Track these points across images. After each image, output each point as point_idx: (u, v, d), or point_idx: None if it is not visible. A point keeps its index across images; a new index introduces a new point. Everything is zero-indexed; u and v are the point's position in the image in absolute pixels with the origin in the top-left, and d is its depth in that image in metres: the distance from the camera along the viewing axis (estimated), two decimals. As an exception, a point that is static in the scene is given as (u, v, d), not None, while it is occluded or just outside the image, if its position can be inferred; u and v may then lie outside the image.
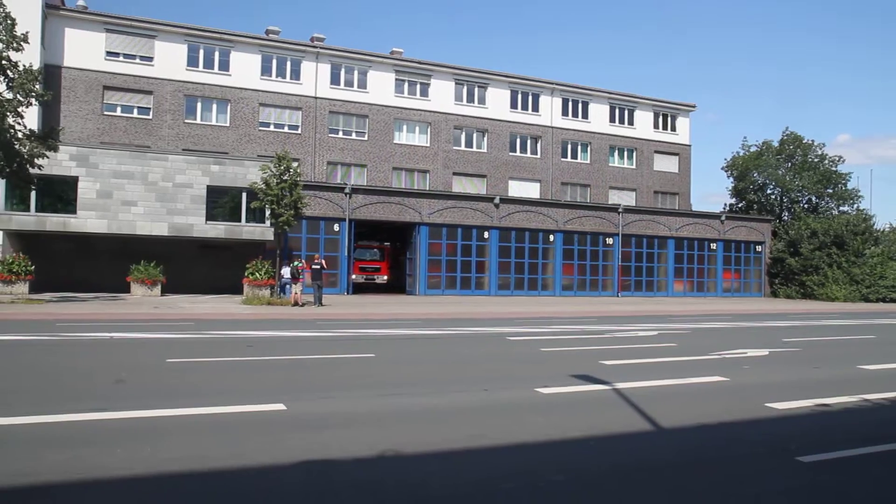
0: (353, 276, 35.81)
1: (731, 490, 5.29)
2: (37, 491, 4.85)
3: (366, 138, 41.41)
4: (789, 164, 52.58)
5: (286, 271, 27.36)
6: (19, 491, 4.83)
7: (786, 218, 52.01)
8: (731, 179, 55.49)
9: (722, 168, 56.39)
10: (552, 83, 46.95)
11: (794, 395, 9.19)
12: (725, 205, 56.96)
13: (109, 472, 5.24)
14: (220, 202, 30.13)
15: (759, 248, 46.06)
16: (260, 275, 27.48)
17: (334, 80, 40.82)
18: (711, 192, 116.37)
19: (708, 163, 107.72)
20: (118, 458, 5.67)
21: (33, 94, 21.79)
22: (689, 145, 51.99)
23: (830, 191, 51.91)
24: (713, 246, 44.30)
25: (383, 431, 6.84)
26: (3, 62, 21.30)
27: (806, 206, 52.61)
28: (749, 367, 12.28)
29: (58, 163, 26.53)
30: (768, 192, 54.13)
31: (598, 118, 48.43)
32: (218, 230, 29.73)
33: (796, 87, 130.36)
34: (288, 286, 26.88)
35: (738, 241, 45.17)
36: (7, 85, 21.44)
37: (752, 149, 53.95)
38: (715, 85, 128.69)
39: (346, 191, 34.38)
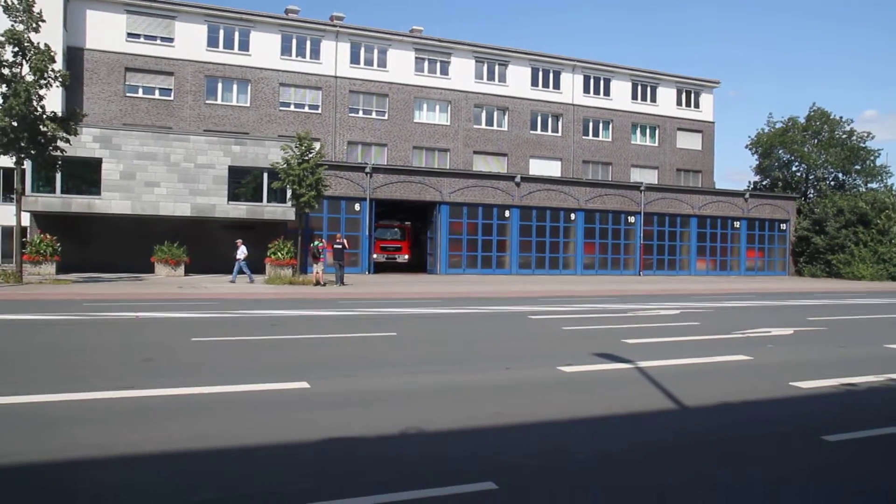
0: (374, 256, 35.93)
1: (756, 469, 5.26)
2: (71, 466, 4.95)
3: (386, 117, 41.32)
4: (816, 140, 51.65)
5: (241, 252, 26.45)
6: (54, 466, 4.94)
7: (811, 196, 51.23)
8: (756, 157, 54.69)
9: (746, 146, 55.60)
10: (573, 60, 46.41)
11: (819, 375, 9.10)
12: (749, 182, 56.25)
13: (139, 449, 5.34)
14: (242, 182, 30.28)
15: (783, 227, 45.45)
16: (282, 254, 27.66)
17: (354, 59, 40.69)
18: (735, 169, 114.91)
19: (732, 140, 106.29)
20: (147, 435, 5.77)
21: (51, 74, 21.96)
22: (713, 122, 51.25)
23: (858, 167, 50.99)
24: (737, 224, 43.79)
25: (406, 409, 6.89)
26: (25, 43, 21.46)
27: (832, 183, 51.75)
28: (773, 346, 12.17)
29: (82, 144, 26.78)
30: (793, 169, 53.31)
31: (620, 95, 47.85)
32: (240, 210, 29.92)
33: (822, 63, 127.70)
34: (244, 267, 26.21)
35: (763, 220, 44.59)
36: (29, 67, 21.63)
37: (778, 125, 53.04)
38: (739, 61, 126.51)
39: (367, 170, 34.39)
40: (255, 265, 30.02)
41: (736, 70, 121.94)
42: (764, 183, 54.06)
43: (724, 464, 5.36)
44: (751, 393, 8.04)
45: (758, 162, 54.58)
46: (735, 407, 7.36)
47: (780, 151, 52.60)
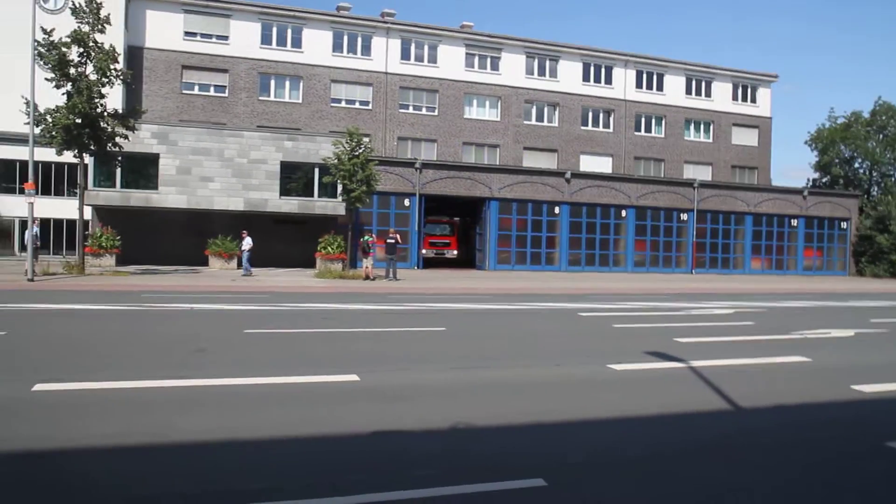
0: (423, 251, 36.05)
1: (815, 474, 5.11)
2: (132, 451, 5.11)
3: (436, 113, 41.39)
4: (881, 135, 49.77)
5: (246, 244, 26.18)
6: (116, 451, 5.10)
7: (875, 193, 49.38)
8: (815, 153, 53.03)
9: (805, 142, 53.94)
10: (626, 55, 45.68)
11: (882, 378, 8.77)
12: (808, 180, 54.60)
13: (193, 437, 5.47)
14: (294, 178, 30.74)
15: (843, 225, 43.90)
16: (332, 249, 27.98)
17: (404, 55, 40.85)
18: (794, 166, 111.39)
19: (790, 136, 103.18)
20: (201, 423, 5.91)
21: (113, 72, 22.66)
22: (770, 118, 49.80)
23: (926, 164, 49.04)
24: (794, 222, 42.50)
25: (455, 404, 6.89)
26: (90, 44, 22.20)
27: (898, 180, 49.84)
28: (833, 347, 11.78)
29: (140, 140, 27.56)
30: (856, 165, 51.50)
31: (674, 90, 46.91)
32: (291, 205, 30.38)
33: (889, 55, 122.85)
34: (246, 260, 25.89)
35: (822, 218, 43.15)
36: (93, 66, 22.36)
37: (840, 120, 51.33)
38: (798, 54, 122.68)
39: (417, 166, 34.52)
40: (307, 259, 30.48)
41: (795, 64, 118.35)
42: (824, 180, 52.37)
43: (781, 467, 5.21)
44: (809, 395, 7.80)
45: (817, 159, 52.90)
46: (792, 409, 7.15)
47: (842, 147, 50.87)
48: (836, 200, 43.81)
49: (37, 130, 21.85)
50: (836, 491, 4.77)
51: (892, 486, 4.93)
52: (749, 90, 49.02)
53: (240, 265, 27.25)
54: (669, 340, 11.72)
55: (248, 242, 26.36)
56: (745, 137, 48.79)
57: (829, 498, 4.64)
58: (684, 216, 39.73)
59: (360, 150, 26.97)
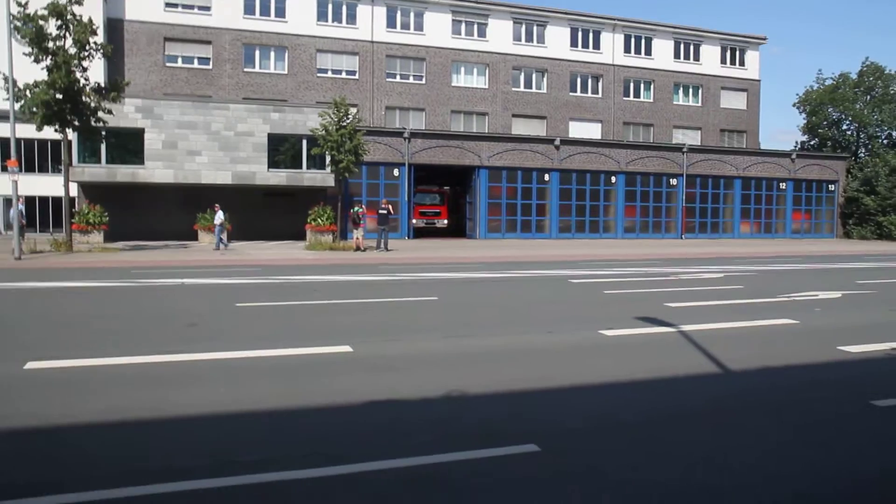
0: (414, 221, 36.03)
1: (804, 433, 5.19)
2: (128, 426, 5.13)
3: (423, 82, 41.03)
4: (868, 97, 49.80)
5: (218, 217, 25.73)
6: (114, 426, 5.12)
7: (862, 155, 49.53)
8: (804, 116, 53.03)
9: (794, 104, 53.86)
10: (614, 19, 45.29)
11: (868, 339, 8.88)
12: (797, 142, 54.70)
13: (187, 410, 5.50)
14: (282, 150, 30.52)
15: (831, 188, 44.12)
16: (322, 220, 27.92)
17: (390, 23, 40.34)
18: (782, 129, 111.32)
19: (778, 99, 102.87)
20: (196, 397, 5.94)
21: (92, 46, 22.26)
22: (759, 80, 49.68)
23: (915, 125, 49.14)
24: (782, 185, 42.66)
25: (448, 372, 6.94)
26: (68, 16, 21.75)
27: (885, 142, 49.89)
28: (820, 309, 11.91)
29: (124, 115, 27.24)
30: (843, 127, 51.57)
31: (662, 54, 46.64)
32: (280, 177, 30.21)
33: (876, 15, 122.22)
34: (219, 233, 25.52)
35: (810, 181, 43.32)
36: (72, 39, 21.95)
37: (828, 82, 51.23)
38: (786, 16, 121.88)
39: (405, 135, 34.31)
40: (297, 232, 30.38)
41: (784, 26, 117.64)
42: (812, 143, 52.46)
43: (770, 428, 5.30)
44: (797, 357, 7.91)
45: (805, 121, 52.92)
46: (781, 371, 7.25)
47: (830, 109, 50.88)
48: (824, 163, 43.97)
49: (17, 106, 21.51)
50: (826, 450, 4.86)
51: (880, 444, 5.03)
52: (737, 53, 48.83)
53: (229, 239, 27.12)
54: (660, 305, 11.81)
55: (219, 216, 25.92)
56: (734, 101, 48.73)
57: (819, 457, 4.73)
58: (674, 181, 39.80)
59: (348, 121, 26.75)
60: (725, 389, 6.61)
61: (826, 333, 9.44)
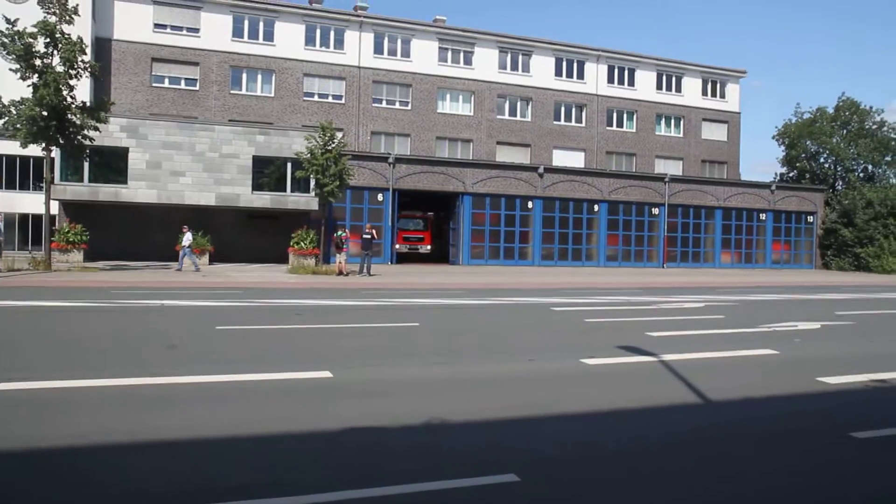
0: (397, 246, 36.00)
1: (783, 464, 5.21)
2: (94, 451, 5.03)
3: (409, 108, 41.29)
4: (845, 131, 50.74)
5: (186, 239, 25.88)
6: (83, 450, 5.02)
7: (840, 188, 50.35)
8: (783, 148, 53.89)
9: (773, 137, 54.76)
10: (598, 50, 45.97)
11: (847, 370, 8.96)
12: (776, 174, 55.49)
13: (163, 435, 5.41)
14: (266, 172, 30.47)
15: (810, 219, 44.74)
16: (305, 244, 27.80)
17: (377, 49, 40.65)
18: (761, 161, 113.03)
19: (758, 131, 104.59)
20: (170, 421, 5.85)
21: (80, 64, 22.25)
22: (739, 113, 50.52)
23: (889, 159, 50.03)
24: (762, 216, 43.22)
25: (429, 400, 6.90)
26: (57, 35, 21.74)
27: (861, 175, 50.79)
28: (800, 340, 12.02)
29: (109, 134, 27.10)
30: (821, 160, 52.42)
31: (645, 85, 47.34)
32: (264, 200, 30.13)
33: (852, 51, 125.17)
34: (188, 255, 25.73)
35: (789, 212, 43.93)
36: (60, 57, 21.92)
37: (805, 116, 52.19)
38: (766, 50, 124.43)
39: (390, 160, 34.43)
40: (279, 255, 30.23)
41: (762, 60, 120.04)
42: (791, 175, 53.24)
43: (751, 459, 5.31)
44: (777, 388, 7.95)
45: (784, 153, 53.79)
46: (761, 402, 7.29)
47: (808, 142, 51.75)
48: (802, 195, 44.64)
49: (0, 122, 21.36)
50: (808, 481, 4.88)
51: (862, 475, 5.06)
52: (718, 85, 49.68)
53: (211, 261, 26.93)
54: (641, 334, 11.85)
55: (187, 238, 25.87)
56: (715, 132, 49.48)
57: (802, 489, 4.74)
58: (655, 210, 40.17)
59: (333, 145, 26.82)
60: (707, 419, 6.63)
61: (806, 364, 9.52)
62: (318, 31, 39.48)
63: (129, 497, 4.14)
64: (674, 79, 48.34)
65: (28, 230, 31.69)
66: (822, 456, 5.50)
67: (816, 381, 8.29)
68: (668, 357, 9.46)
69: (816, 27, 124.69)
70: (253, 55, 38.02)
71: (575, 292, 21.48)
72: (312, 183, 27.86)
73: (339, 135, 28.44)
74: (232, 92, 37.62)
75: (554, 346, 10.97)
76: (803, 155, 52.29)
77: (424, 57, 41.58)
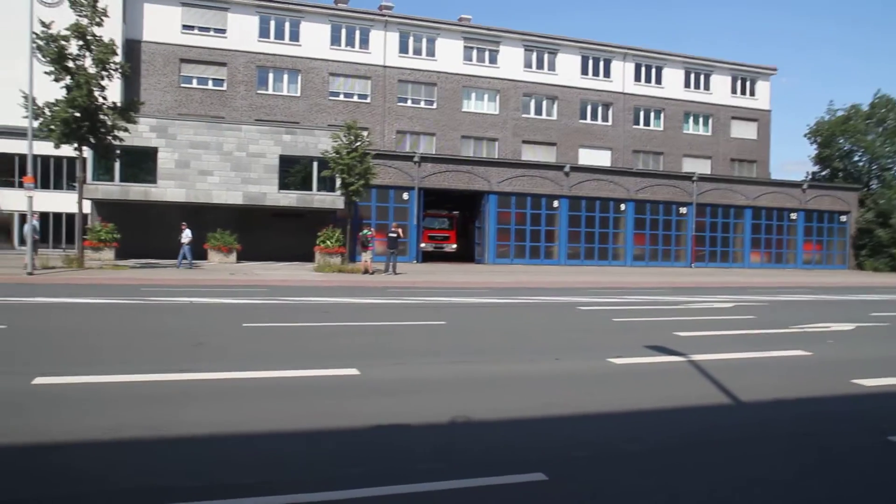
0: (422, 245, 36.03)
1: (817, 468, 5.09)
2: (129, 445, 5.09)
3: (434, 107, 41.31)
4: (880, 128, 49.70)
5: (185, 236, 25.73)
6: (113, 444, 5.08)
7: (874, 187, 49.33)
8: (815, 146, 52.96)
9: (805, 135, 53.86)
10: (624, 48, 45.60)
11: (883, 372, 8.76)
12: (808, 173, 54.57)
13: (192, 430, 5.45)
14: (292, 171, 30.69)
15: (843, 219, 43.89)
16: (331, 243, 27.95)
17: (403, 48, 40.74)
18: (793, 159, 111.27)
19: (788, 129, 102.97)
20: (200, 416, 5.89)
21: (112, 66, 22.59)
22: (769, 110, 49.77)
23: (927, 157, 48.97)
24: (793, 216, 42.51)
25: (455, 398, 6.87)
26: (88, 37, 22.09)
27: (897, 173, 49.74)
28: (833, 341, 11.78)
29: (139, 134, 27.48)
30: (855, 159, 51.41)
31: (672, 83, 46.84)
32: (290, 199, 30.34)
33: (888, 47, 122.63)
34: (187, 253, 25.51)
35: (821, 211, 43.14)
36: (92, 59, 22.27)
37: (839, 113, 51.21)
38: (797, 46, 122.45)
39: (415, 159, 34.46)
40: (305, 253, 30.42)
41: (794, 56, 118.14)
42: (823, 173, 52.32)
43: (782, 461, 5.20)
44: (810, 389, 7.79)
45: (817, 152, 52.86)
46: (793, 403, 7.14)
47: (841, 140, 50.80)
48: (835, 194, 43.82)
49: (35, 124, 21.77)
50: (842, 486, 4.76)
51: (894, 481, 4.93)
52: (748, 83, 48.98)
53: (238, 259, 27.13)
54: (669, 334, 11.70)
55: (187, 235, 25.89)
56: (744, 131, 48.79)
57: (836, 493, 4.62)
58: (683, 210, 39.72)
59: (358, 144, 26.93)
60: (736, 421, 6.51)
61: (839, 366, 9.32)
62: (343, 31, 39.67)
63: (150, 490, 4.16)
64: (702, 76, 47.77)
65: (62, 229, 32.27)
66: (857, 459, 5.37)
67: (851, 382, 8.10)
68: (696, 357, 9.33)
69: (847, 25, 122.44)
70: (279, 55, 38.32)
71: (601, 292, 21.31)
72: (338, 182, 28.00)
73: (364, 134, 28.53)
74: (259, 92, 37.95)
75: (580, 345, 10.88)
76: (836, 153, 51.33)
77: (450, 56, 41.57)
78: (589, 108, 44.98)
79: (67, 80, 21.94)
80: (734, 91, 48.51)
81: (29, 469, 4.58)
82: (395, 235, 26.43)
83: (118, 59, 23.47)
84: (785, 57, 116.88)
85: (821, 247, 43.79)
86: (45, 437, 5.14)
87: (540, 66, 43.78)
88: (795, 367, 9.23)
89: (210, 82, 37.42)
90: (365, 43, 40.07)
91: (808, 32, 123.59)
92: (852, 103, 50.93)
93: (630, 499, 4.35)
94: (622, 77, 45.48)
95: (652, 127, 46.55)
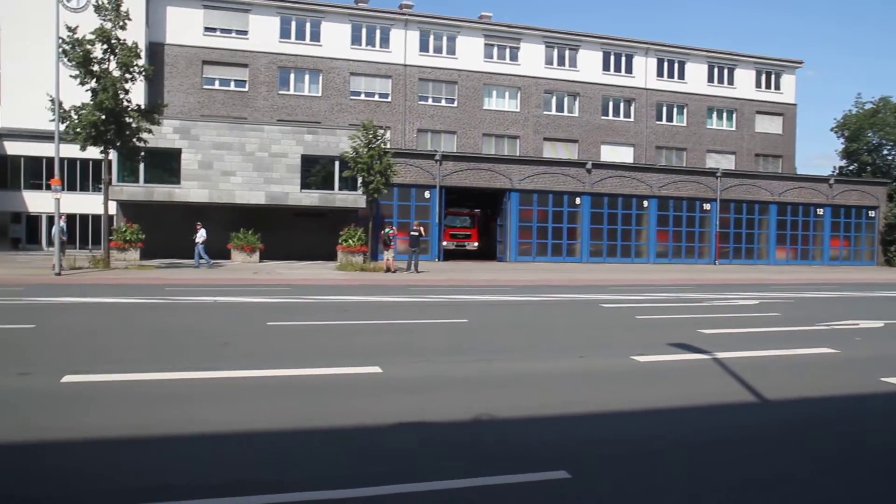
0: (444, 243, 36.04)
1: (844, 467, 5.02)
2: (155, 442, 5.17)
3: (455, 105, 41.30)
4: (910, 121, 48.83)
5: (200, 235, 25.96)
6: (137, 441, 5.16)
7: (904, 181, 48.47)
8: (842, 140, 52.12)
9: (831, 129, 53.04)
10: (646, 43, 45.23)
11: (912, 369, 8.61)
12: (835, 167, 53.71)
13: (216, 428, 5.52)
14: (314, 171, 30.86)
15: (872, 214, 43.11)
16: (353, 241, 28.07)
17: (423, 47, 40.78)
18: (819, 154, 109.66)
19: (815, 123, 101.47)
20: (225, 414, 5.96)
21: (135, 69, 22.90)
22: (795, 104, 49.05)
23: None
24: (820, 211, 41.87)
25: (478, 396, 6.88)
26: (112, 41, 22.41)
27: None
28: (861, 339, 11.60)
29: (163, 136, 27.81)
30: (884, 152, 50.53)
31: (696, 78, 46.36)
32: (312, 198, 30.52)
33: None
34: (202, 252, 25.70)
35: (849, 206, 42.43)
36: (116, 62, 22.58)
37: (867, 106, 50.35)
38: (824, 39, 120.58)
39: (437, 158, 34.48)
40: (328, 252, 30.58)
41: (820, 49, 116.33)
42: (850, 168, 51.49)
43: (808, 460, 5.14)
44: (836, 387, 7.69)
45: (844, 146, 52.04)
46: (820, 402, 7.06)
47: (870, 134, 49.94)
48: (863, 189, 43.08)
49: (62, 127, 22.12)
50: (865, 485, 4.69)
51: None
52: (773, 77, 48.33)
53: (261, 258, 27.34)
54: (693, 332, 11.61)
55: (202, 234, 26.18)
56: (769, 125, 48.15)
57: (856, 491, 4.56)
58: (707, 206, 39.32)
59: (376, 143, 27.03)
60: (762, 419, 6.44)
61: (868, 363, 9.18)
62: (363, 31, 39.80)
63: (172, 488, 4.22)
64: (726, 71, 47.23)
65: (88, 230, 32.77)
66: (884, 458, 5.29)
67: (880, 381, 7.97)
68: (721, 355, 9.24)
69: (873, 19, 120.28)
70: (300, 55, 38.56)
71: (625, 289, 21.18)
72: (359, 181, 28.12)
73: (382, 132, 28.61)
74: (280, 92, 38.22)
75: (604, 342, 10.83)
76: (864, 147, 50.49)
77: (470, 54, 41.54)
78: (611, 105, 44.69)
79: (93, 83, 22.27)
80: (758, 85, 47.89)
81: (55, 467, 4.65)
82: (416, 234, 26.49)
83: (142, 62, 23.78)
84: (811, 50, 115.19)
85: (848, 243, 43.09)
86: (73, 435, 5.23)
87: (561, 62, 43.58)
88: (822, 366, 9.11)
89: (232, 83, 37.76)
90: (385, 42, 40.18)
91: (834, 25, 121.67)
92: (881, 96, 50.10)
93: (653, 497, 4.33)
94: (644, 72, 45.12)
95: (675, 122, 46.13)
